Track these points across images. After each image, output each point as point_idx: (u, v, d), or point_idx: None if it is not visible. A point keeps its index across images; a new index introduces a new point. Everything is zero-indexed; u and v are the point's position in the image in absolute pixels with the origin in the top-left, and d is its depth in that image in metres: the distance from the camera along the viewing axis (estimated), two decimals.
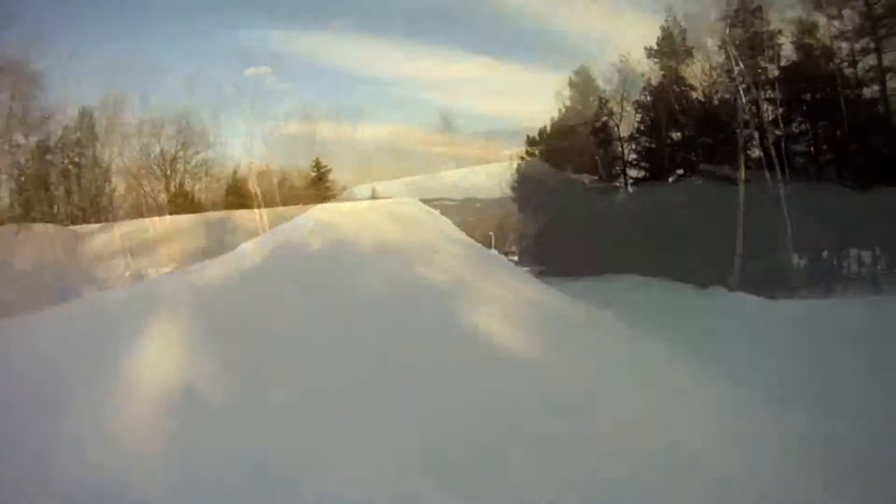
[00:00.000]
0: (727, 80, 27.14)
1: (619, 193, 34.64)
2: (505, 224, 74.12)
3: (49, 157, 33.75)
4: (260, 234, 9.79)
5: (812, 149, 25.04)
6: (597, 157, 33.47)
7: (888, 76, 22.89)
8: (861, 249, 23.70)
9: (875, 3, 22.78)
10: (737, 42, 24.81)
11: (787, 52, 26.36)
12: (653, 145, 31.20)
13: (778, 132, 23.65)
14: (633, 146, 32.66)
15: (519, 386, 5.96)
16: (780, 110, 24.17)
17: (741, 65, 24.00)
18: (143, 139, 43.09)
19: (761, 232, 22.82)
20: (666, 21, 31.89)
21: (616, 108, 33.41)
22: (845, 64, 24.18)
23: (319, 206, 14.01)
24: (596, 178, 33.77)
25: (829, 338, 12.41)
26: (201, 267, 8.76)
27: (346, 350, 6.33)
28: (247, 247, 9.50)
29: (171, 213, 39.84)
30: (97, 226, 11.58)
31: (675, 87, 30.49)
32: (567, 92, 36.37)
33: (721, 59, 27.93)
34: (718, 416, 6.43)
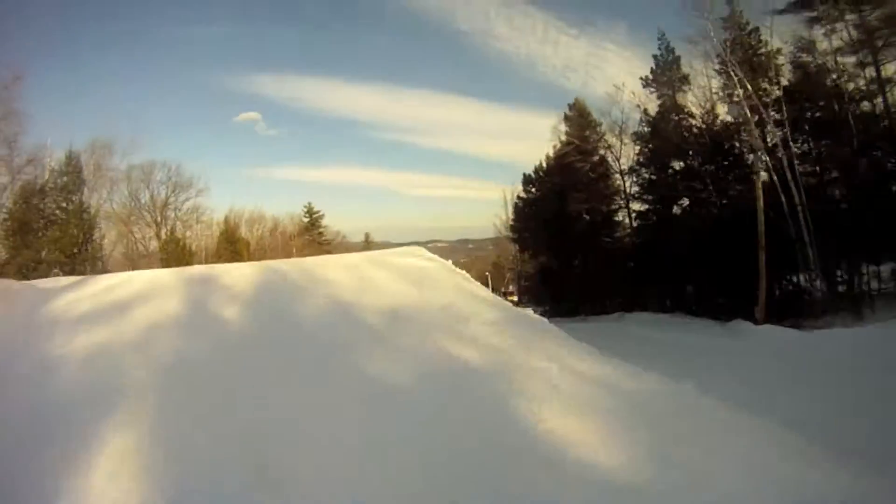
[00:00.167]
0: (730, 103, 26.68)
1: (622, 228, 33.82)
2: (501, 263, 73.41)
3: (35, 201, 32.74)
4: (246, 293, 8.09)
5: (818, 168, 24.33)
6: (597, 192, 32.66)
7: (888, 88, 22.40)
8: (876, 265, 22.79)
9: (869, 16, 22.47)
10: (738, 63, 24.30)
11: (786, 71, 25.99)
12: (654, 176, 30.43)
13: (787, 153, 22.82)
14: (635, 178, 31.83)
15: None
16: (786, 131, 23.42)
17: (747, 87, 23.43)
18: (132, 185, 43.04)
19: (780, 258, 21.83)
20: (659, 49, 31.88)
21: (614, 141, 32.79)
22: (845, 79, 23.75)
23: (312, 259, 12.67)
24: (597, 213, 32.91)
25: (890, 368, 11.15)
26: (172, 337, 6.64)
27: (366, 475, 4.05)
28: (229, 313, 7.45)
29: (162, 260, 39.01)
30: (68, 280, 9.32)
31: (673, 115, 30.09)
32: (563, 126, 35.86)
33: (718, 83, 27.59)
34: None
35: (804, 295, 23.88)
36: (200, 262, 41.67)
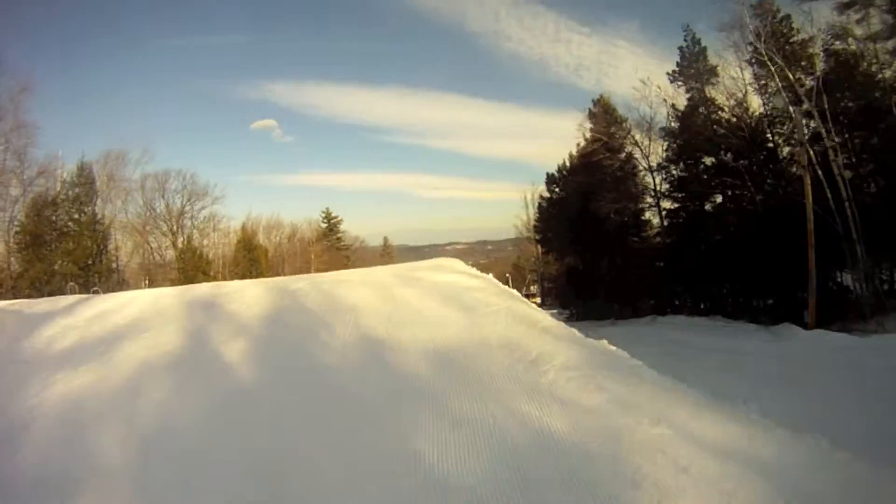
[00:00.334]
0: (764, 94, 25.30)
1: (651, 227, 32.40)
2: (522, 265, 72.07)
3: (47, 213, 32.30)
4: (254, 326, 6.72)
5: (853, 160, 22.83)
6: (625, 190, 31.30)
7: None
8: None
9: None
10: (772, 53, 22.91)
11: (819, 60, 24.53)
12: (684, 173, 29.04)
13: (831, 144, 21.34)
14: (664, 175, 30.42)
15: None
16: (827, 122, 21.90)
17: (789, 75, 22.02)
18: (146, 194, 42.57)
19: (825, 256, 20.33)
20: (685, 40, 30.52)
21: (641, 137, 31.37)
22: (879, 65, 22.28)
23: (334, 277, 10.48)
24: (625, 212, 31.55)
25: None
26: (161, 389, 5.11)
27: None
28: (232, 353, 5.94)
29: (179, 270, 38.45)
30: (66, 301, 8.29)
31: (702, 109, 28.72)
32: (587, 124, 34.53)
33: (751, 74, 26.22)
34: None
35: (849, 295, 22.37)
36: (217, 272, 41.29)
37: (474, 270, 10.81)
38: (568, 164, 37.27)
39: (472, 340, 6.20)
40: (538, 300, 56.74)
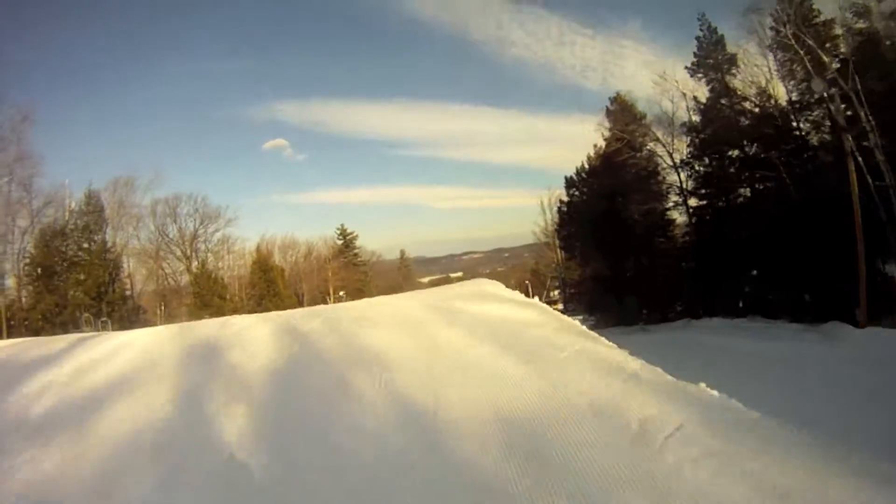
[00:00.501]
0: (792, 81, 24.02)
1: (676, 226, 31.06)
2: (540, 271, 70.80)
3: (56, 243, 31.81)
4: (259, 387, 5.32)
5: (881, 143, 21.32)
6: (648, 189, 30.08)
7: None
8: None
9: None
10: (795, 36, 21.67)
11: (842, 41, 23.25)
12: (710, 168, 27.76)
13: (872, 129, 19.92)
14: (688, 172, 29.12)
15: None
16: (860, 105, 20.47)
17: (822, 57, 20.73)
18: (158, 219, 42.16)
19: (870, 247, 18.86)
20: (700, 30, 29.35)
21: (664, 135, 30.12)
22: None
23: (354, 311, 8.58)
24: (650, 212, 30.31)
25: None
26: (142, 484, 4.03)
27: None
28: (231, 431, 4.72)
29: (195, 294, 37.83)
30: (60, 344, 7.24)
31: (724, 100, 27.50)
32: (606, 123, 33.37)
33: (773, 63, 24.98)
34: None
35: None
36: (234, 294, 40.61)
37: (520, 296, 9.26)
38: (587, 166, 36.14)
39: (549, 405, 4.59)
40: (560, 306, 55.51)
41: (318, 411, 4.97)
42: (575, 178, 36.84)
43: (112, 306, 31.65)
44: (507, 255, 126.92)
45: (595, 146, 36.11)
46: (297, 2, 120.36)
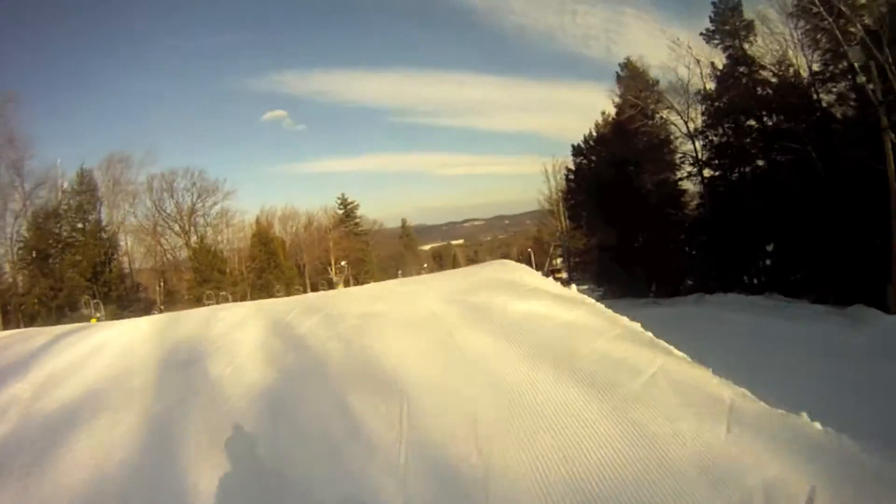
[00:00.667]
0: (815, 50, 22.76)
1: (689, 196, 30.09)
2: (543, 239, 69.99)
3: (49, 225, 30.90)
4: (243, 416, 4.15)
5: None
6: (661, 158, 29.03)
7: None
8: None
9: None
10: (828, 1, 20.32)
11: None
12: (728, 138, 26.69)
13: None
14: (703, 142, 28.00)
15: None
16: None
17: (857, 25, 19.40)
18: (154, 195, 41.31)
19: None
20: None
21: (679, 102, 28.86)
22: None
23: (359, 305, 7.02)
24: (662, 181, 29.32)
25: None
26: None
27: None
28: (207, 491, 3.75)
29: (194, 269, 37.13)
30: (36, 342, 6.31)
31: (743, 68, 26.23)
32: (616, 90, 32.12)
33: (795, 32, 23.63)
34: None
35: None
36: (233, 269, 39.91)
37: (557, 285, 7.77)
38: (594, 133, 35.07)
39: (642, 463, 3.44)
40: (563, 276, 54.95)
41: (316, 472, 3.82)
42: (582, 145, 35.80)
43: (109, 286, 30.96)
44: (507, 222, 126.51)
45: (604, 113, 35.08)
46: None
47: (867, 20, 21.08)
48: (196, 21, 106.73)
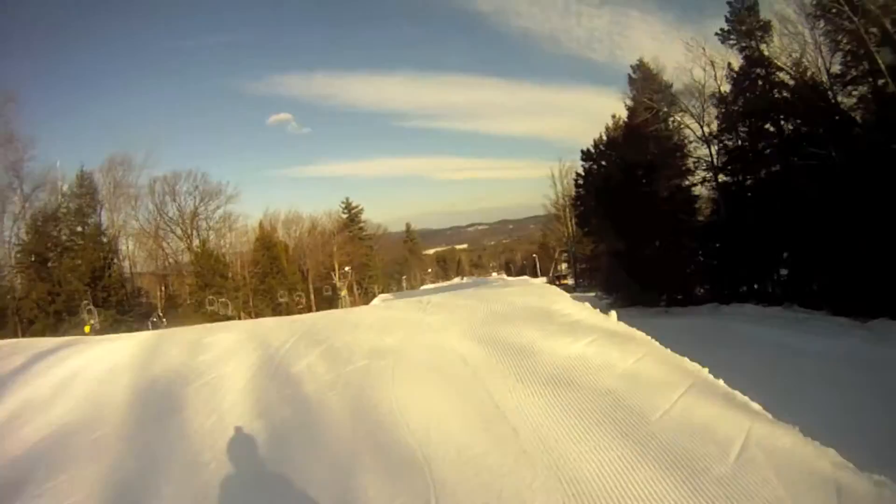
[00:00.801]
0: (836, 52, 22.01)
1: (706, 202, 29.30)
2: (548, 244, 69.30)
3: (48, 228, 30.29)
4: (240, 470, 3.70)
5: None
6: (674, 163, 28.28)
7: None
8: None
9: None
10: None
11: None
12: (744, 142, 25.96)
13: None
14: (719, 146, 27.26)
15: None
16: None
17: (886, 26, 18.68)
18: (156, 198, 40.90)
19: None
20: None
21: (695, 105, 28.12)
22: None
23: (368, 338, 5.97)
24: (675, 187, 28.56)
25: None
26: None
27: None
28: None
29: (196, 273, 36.53)
30: (11, 365, 5.51)
31: (760, 70, 25.49)
32: (628, 91, 31.41)
33: (817, 33, 22.92)
34: None
35: None
36: (236, 273, 39.29)
37: (604, 316, 6.59)
38: (605, 137, 34.42)
39: None
40: (569, 282, 54.21)
41: None
42: (592, 149, 35.09)
43: (108, 291, 30.39)
44: (512, 227, 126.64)
45: (614, 116, 34.56)
46: None
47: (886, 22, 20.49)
48: (201, 22, 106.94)
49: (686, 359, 5.35)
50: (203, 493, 3.63)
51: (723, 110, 27.10)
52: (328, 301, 50.99)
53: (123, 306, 30.73)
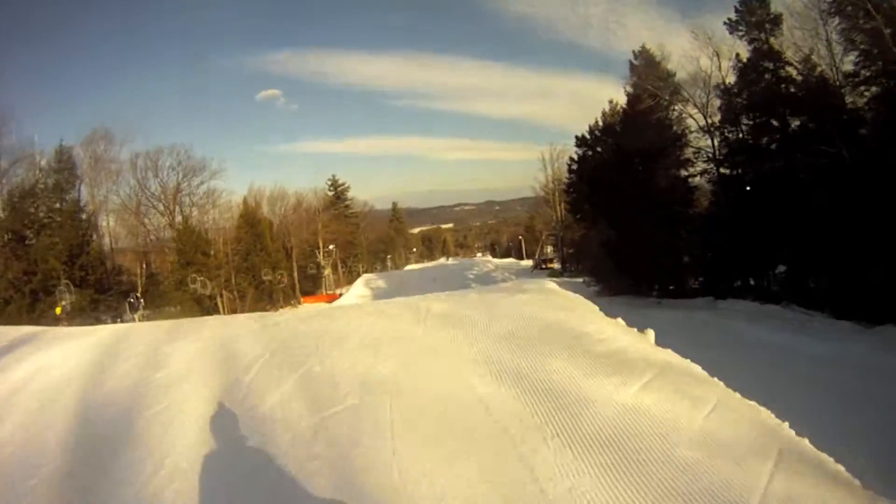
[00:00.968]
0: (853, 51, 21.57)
1: (702, 194, 28.89)
2: (534, 226, 68.92)
3: (25, 205, 28.96)
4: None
5: None
6: (673, 152, 27.81)
7: None
8: None
9: None
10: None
11: None
12: (745, 135, 25.50)
13: None
14: (721, 138, 26.78)
15: None
16: None
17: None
18: (138, 174, 39.60)
19: None
20: None
21: (699, 95, 27.51)
22: None
23: (360, 364, 4.14)
24: (673, 176, 28.12)
25: None
26: None
27: None
28: None
29: (178, 250, 35.46)
30: None
31: (767, 63, 24.96)
32: (627, 80, 30.75)
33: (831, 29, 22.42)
34: None
35: None
36: (218, 251, 38.23)
37: (646, 340, 4.99)
38: (601, 123, 33.80)
39: None
40: (555, 266, 53.97)
41: None
42: (587, 135, 34.47)
43: (86, 269, 29.28)
44: (497, 207, 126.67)
45: (611, 102, 33.97)
46: None
47: None
48: None
49: (763, 409, 4.32)
50: None
51: (726, 102, 26.58)
52: (312, 280, 50.26)
53: (102, 284, 29.75)
